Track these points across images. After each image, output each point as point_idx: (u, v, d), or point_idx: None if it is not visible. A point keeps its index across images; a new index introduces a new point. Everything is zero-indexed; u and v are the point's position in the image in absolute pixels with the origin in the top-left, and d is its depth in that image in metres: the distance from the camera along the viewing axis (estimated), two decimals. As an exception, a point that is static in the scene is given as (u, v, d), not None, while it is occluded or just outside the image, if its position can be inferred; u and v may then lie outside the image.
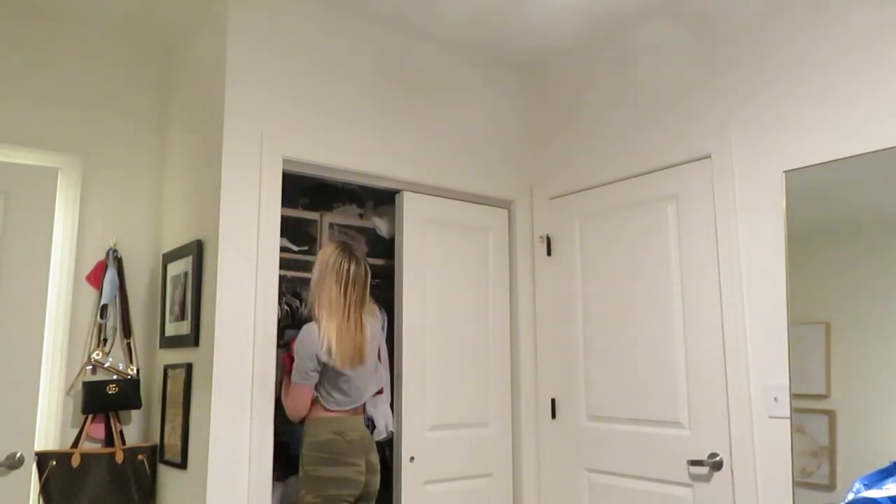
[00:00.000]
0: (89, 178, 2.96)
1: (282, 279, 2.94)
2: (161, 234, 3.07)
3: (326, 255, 2.59)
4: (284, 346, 2.78)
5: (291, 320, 3.05)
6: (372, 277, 3.37)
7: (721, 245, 2.58)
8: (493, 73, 3.39)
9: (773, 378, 2.38)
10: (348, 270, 2.54)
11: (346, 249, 2.60)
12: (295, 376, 2.46)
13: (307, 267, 3.27)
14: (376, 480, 2.53)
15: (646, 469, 2.77)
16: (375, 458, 2.55)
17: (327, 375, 2.49)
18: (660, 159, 2.84)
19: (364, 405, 2.86)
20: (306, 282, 3.25)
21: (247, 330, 2.51)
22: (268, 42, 2.70)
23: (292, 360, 2.54)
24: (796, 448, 2.27)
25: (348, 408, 2.56)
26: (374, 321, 2.67)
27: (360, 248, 3.41)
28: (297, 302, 3.09)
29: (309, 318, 2.77)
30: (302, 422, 2.57)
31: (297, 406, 2.48)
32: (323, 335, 2.45)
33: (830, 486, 2.17)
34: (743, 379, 2.46)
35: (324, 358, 2.45)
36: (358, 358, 2.53)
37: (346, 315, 2.52)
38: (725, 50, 2.65)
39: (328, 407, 2.51)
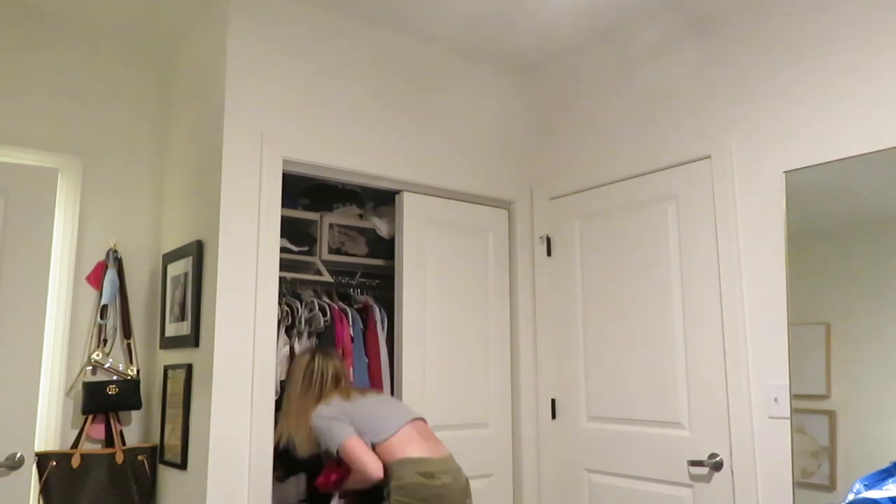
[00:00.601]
0: (89, 179, 2.96)
1: (281, 280, 2.94)
2: (161, 234, 3.07)
3: (291, 368, 2.72)
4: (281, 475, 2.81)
5: (291, 320, 3.05)
6: (372, 278, 3.38)
7: (721, 245, 2.58)
8: (494, 74, 3.39)
9: (773, 378, 2.38)
10: (307, 366, 2.66)
11: (305, 353, 2.74)
12: (338, 439, 2.38)
13: (308, 268, 3.27)
14: None
15: (646, 469, 2.77)
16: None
17: (354, 420, 2.44)
18: (660, 160, 2.84)
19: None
20: (306, 283, 3.26)
21: (247, 331, 2.51)
22: (268, 43, 2.70)
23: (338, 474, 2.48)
24: (796, 448, 2.27)
25: (392, 430, 2.39)
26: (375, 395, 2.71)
27: (358, 247, 3.41)
28: (298, 303, 3.09)
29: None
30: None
31: (363, 458, 2.31)
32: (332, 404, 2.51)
33: (831, 487, 2.16)
34: (743, 379, 2.46)
35: (342, 406, 2.48)
36: (356, 388, 2.66)
37: (329, 395, 2.59)
38: (725, 50, 2.65)
39: (377, 439, 2.36)
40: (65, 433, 2.77)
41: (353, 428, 2.41)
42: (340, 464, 2.46)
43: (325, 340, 3.09)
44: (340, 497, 2.53)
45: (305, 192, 3.36)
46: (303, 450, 2.53)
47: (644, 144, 2.91)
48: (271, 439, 2.52)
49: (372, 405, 2.51)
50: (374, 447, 2.39)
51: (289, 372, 2.71)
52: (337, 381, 2.64)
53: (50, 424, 2.74)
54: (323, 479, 2.49)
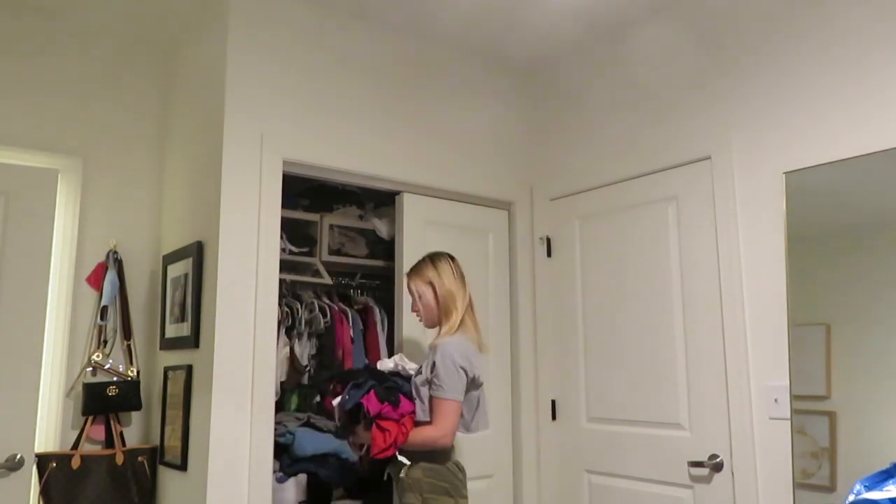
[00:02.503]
0: (89, 180, 2.96)
1: (281, 281, 2.94)
2: (161, 235, 3.07)
3: (438, 266, 2.44)
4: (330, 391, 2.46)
5: (291, 321, 3.05)
6: (372, 279, 3.39)
7: (721, 246, 2.58)
8: (494, 75, 3.39)
9: (774, 379, 2.38)
10: (463, 274, 2.45)
11: (445, 255, 2.51)
12: (451, 393, 2.21)
13: (307, 269, 3.27)
14: None
15: (646, 470, 2.77)
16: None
17: (469, 391, 2.31)
18: (660, 160, 2.84)
19: None
20: (306, 284, 3.26)
21: (247, 332, 2.50)
22: (268, 43, 2.70)
23: (378, 402, 2.26)
24: (797, 449, 2.27)
25: (471, 431, 2.39)
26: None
27: (358, 248, 3.41)
28: (298, 304, 3.09)
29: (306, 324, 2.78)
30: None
31: (454, 425, 2.23)
32: (474, 346, 2.32)
33: (831, 488, 2.16)
34: (743, 380, 2.46)
35: (475, 371, 2.28)
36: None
37: (475, 325, 2.43)
38: (725, 51, 2.64)
39: (464, 430, 2.34)
40: (65, 434, 2.76)
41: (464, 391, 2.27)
42: (398, 424, 2.24)
43: (326, 342, 3.09)
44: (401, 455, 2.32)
45: (305, 193, 3.36)
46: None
47: (644, 145, 2.91)
48: (271, 440, 2.52)
49: (480, 395, 2.39)
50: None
51: (440, 280, 2.41)
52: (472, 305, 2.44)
53: (50, 425, 2.74)
54: (382, 443, 2.20)
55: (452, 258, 2.50)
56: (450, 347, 2.27)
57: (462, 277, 2.45)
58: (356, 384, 2.31)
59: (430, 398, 2.25)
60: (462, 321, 2.37)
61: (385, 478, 2.41)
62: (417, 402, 2.29)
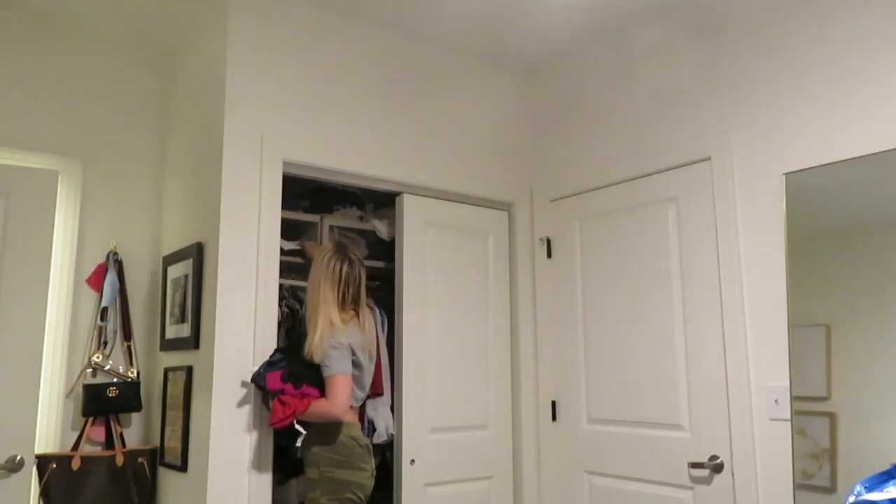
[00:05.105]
0: (90, 181, 2.96)
1: (281, 282, 2.94)
2: (161, 236, 3.07)
3: (321, 256, 2.62)
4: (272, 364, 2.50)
5: (292, 322, 3.05)
6: (372, 280, 3.38)
7: (721, 247, 2.58)
8: (493, 76, 3.39)
9: (774, 380, 2.38)
10: (341, 270, 2.57)
11: (339, 250, 2.64)
12: (337, 368, 2.41)
13: (307, 271, 3.27)
14: (372, 484, 2.59)
15: (646, 471, 2.77)
16: (374, 462, 2.59)
17: (355, 363, 2.51)
18: (660, 161, 2.84)
19: (364, 408, 2.87)
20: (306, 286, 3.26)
21: (247, 332, 2.50)
22: (268, 45, 2.70)
23: (280, 382, 2.46)
24: (797, 450, 2.26)
25: (359, 404, 2.60)
26: (371, 319, 2.75)
27: (359, 248, 3.40)
28: (298, 304, 3.09)
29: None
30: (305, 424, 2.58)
31: (346, 397, 2.41)
32: (331, 332, 2.47)
33: (831, 489, 2.16)
34: (743, 381, 2.46)
35: (356, 339, 2.49)
36: (370, 354, 2.61)
37: (348, 313, 2.57)
38: (725, 52, 2.65)
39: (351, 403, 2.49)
40: (65, 435, 2.77)
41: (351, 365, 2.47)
42: (302, 395, 2.45)
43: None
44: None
45: (305, 194, 3.36)
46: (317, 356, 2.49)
47: (644, 146, 2.91)
48: (271, 441, 2.52)
49: (369, 365, 2.61)
50: None
51: (312, 269, 2.62)
52: (357, 295, 2.62)
53: (50, 426, 2.74)
54: (282, 415, 2.39)
55: (342, 255, 2.61)
56: (328, 341, 2.44)
57: (333, 276, 2.56)
58: (271, 362, 2.49)
59: (325, 379, 2.43)
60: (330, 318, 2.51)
61: (298, 455, 2.66)
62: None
